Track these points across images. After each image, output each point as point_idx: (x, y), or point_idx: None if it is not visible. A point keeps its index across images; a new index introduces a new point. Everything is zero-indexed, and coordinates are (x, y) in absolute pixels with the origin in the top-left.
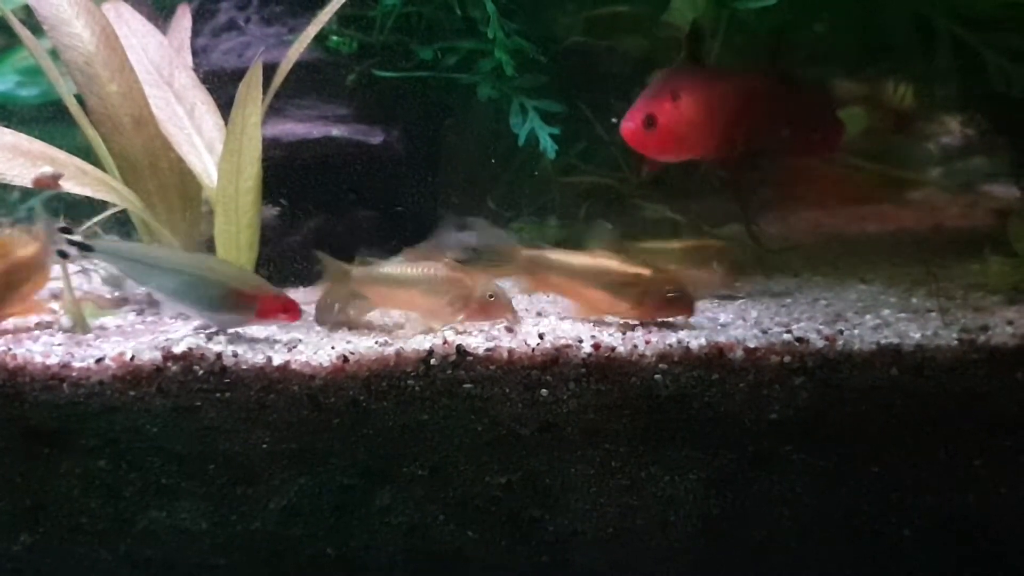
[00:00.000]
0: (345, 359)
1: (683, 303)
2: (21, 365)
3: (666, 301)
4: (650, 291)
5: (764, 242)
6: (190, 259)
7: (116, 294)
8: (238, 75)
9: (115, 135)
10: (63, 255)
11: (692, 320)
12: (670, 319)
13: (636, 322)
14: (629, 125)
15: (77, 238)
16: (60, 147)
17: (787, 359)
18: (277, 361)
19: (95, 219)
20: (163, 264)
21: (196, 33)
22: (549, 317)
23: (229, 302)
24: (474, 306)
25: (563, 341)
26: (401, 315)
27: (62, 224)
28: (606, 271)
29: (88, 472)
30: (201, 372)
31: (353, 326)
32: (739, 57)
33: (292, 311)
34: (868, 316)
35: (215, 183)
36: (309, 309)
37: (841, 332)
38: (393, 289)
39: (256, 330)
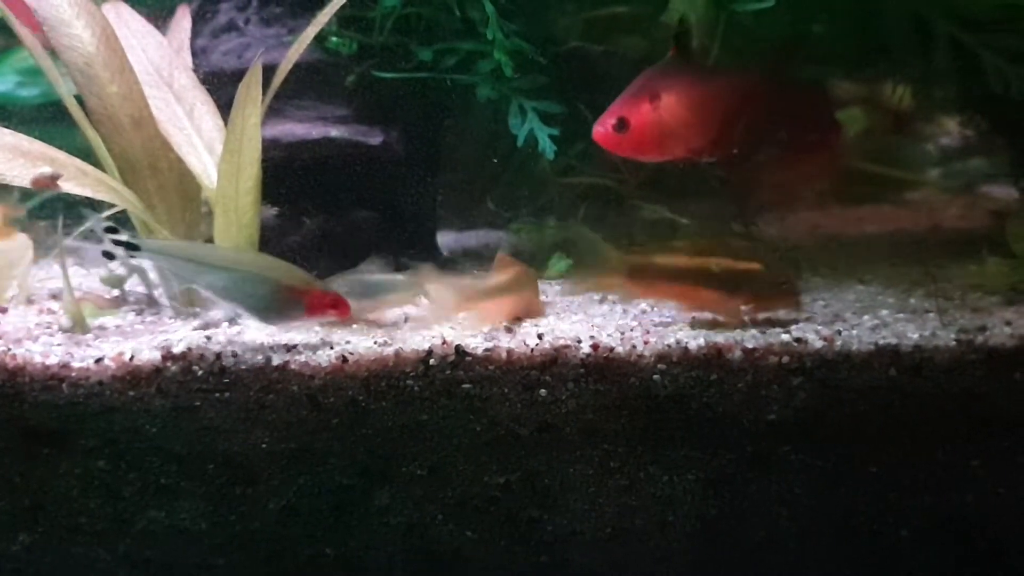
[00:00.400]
0: (344, 359)
1: (795, 296)
2: (20, 365)
3: (780, 295)
4: (765, 286)
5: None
6: (239, 256)
7: (115, 294)
8: (238, 76)
9: (115, 136)
10: (109, 256)
11: (689, 320)
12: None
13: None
14: (599, 129)
15: (123, 237)
16: (60, 148)
17: (785, 359)
18: (276, 361)
19: (93, 219)
20: (212, 262)
21: (196, 34)
22: (548, 317)
23: (280, 299)
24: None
25: (562, 341)
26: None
27: (108, 224)
28: (721, 270)
29: (87, 472)
30: (200, 372)
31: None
32: (738, 58)
33: (341, 307)
34: (866, 316)
35: (215, 183)
36: None
37: (839, 332)
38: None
39: (255, 330)
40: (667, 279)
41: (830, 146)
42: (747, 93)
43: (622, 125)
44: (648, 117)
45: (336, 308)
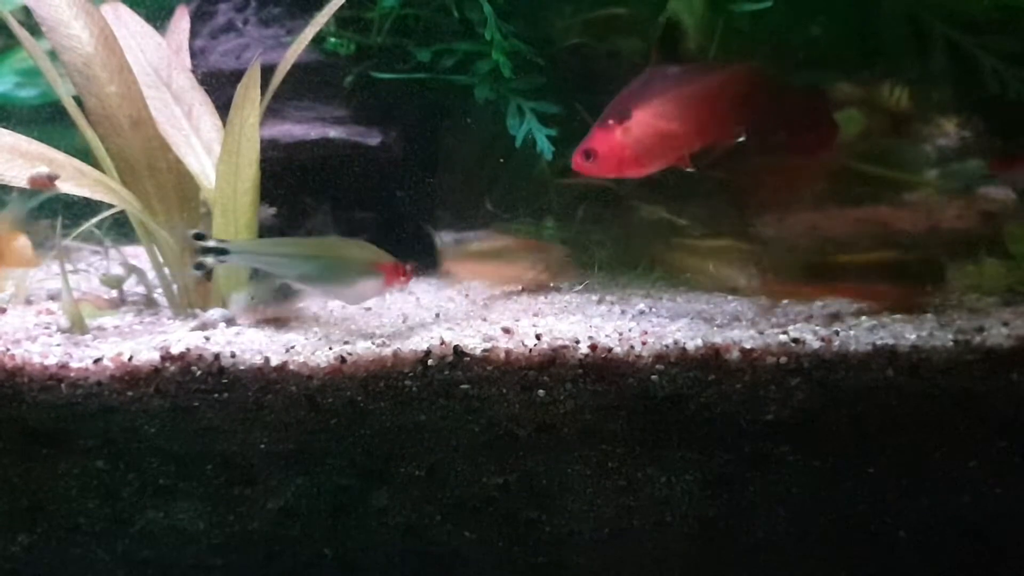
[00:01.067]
0: (343, 359)
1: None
2: (19, 366)
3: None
4: (916, 275)
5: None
6: (314, 243)
7: (114, 294)
8: (236, 76)
9: (113, 136)
10: (201, 267)
11: (687, 321)
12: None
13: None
14: (576, 159)
15: (211, 243)
16: (58, 148)
17: (783, 360)
18: (275, 362)
19: (93, 220)
20: (297, 254)
21: (194, 34)
22: (547, 318)
23: (365, 276)
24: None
25: (560, 342)
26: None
27: (196, 231)
28: (887, 261)
29: (86, 472)
30: (199, 373)
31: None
32: (734, 59)
33: (408, 275)
34: (864, 317)
35: (213, 184)
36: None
37: (837, 333)
38: (478, 263)
39: (253, 331)
40: (841, 277)
41: (826, 146)
42: (734, 92)
43: (588, 156)
44: (613, 143)
45: (405, 275)
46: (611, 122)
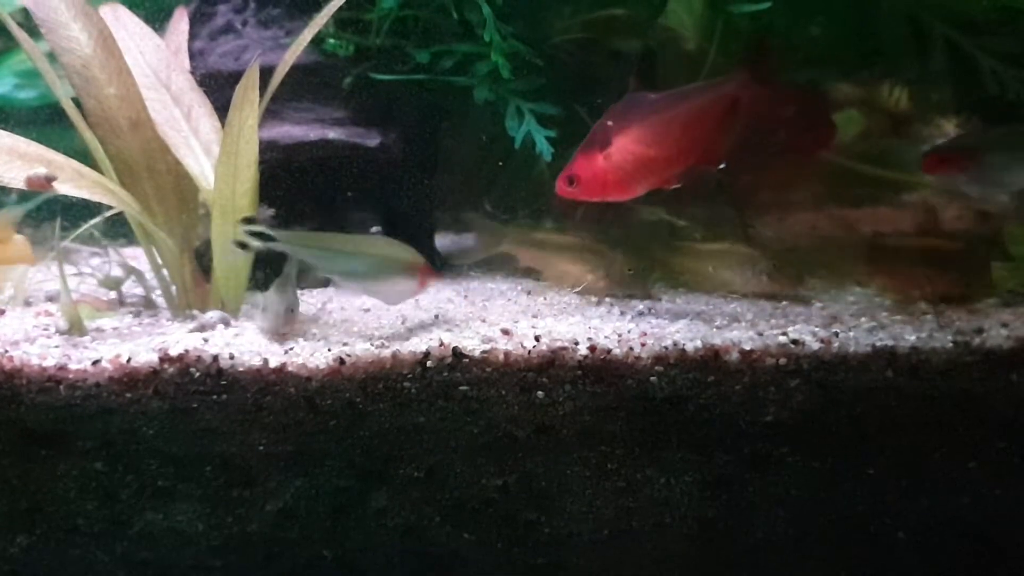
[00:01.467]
0: (342, 361)
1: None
2: (18, 367)
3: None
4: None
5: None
6: (358, 240)
7: (112, 296)
8: (235, 78)
9: (112, 138)
10: (243, 246)
11: (686, 323)
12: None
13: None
14: (559, 185)
15: (259, 228)
16: (57, 150)
17: (782, 361)
18: (273, 363)
19: (92, 221)
20: (341, 249)
21: (193, 36)
22: (546, 319)
23: (403, 276)
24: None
25: (559, 343)
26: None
27: (246, 215)
28: (944, 249)
29: (84, 474)
30: (198, 374)
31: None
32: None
33: (438, 276)
34: (863, 319)
35: (212, 185)
36: (307, 310)
37: (836, 334)
38: (542, 253)
39: (252, 332)
40: (907, 264)
41: (823, 149)
42: (716, 116)
43: (572, 181)
44: (596, 169)
45: (437, 277)
46: (593, 148)
